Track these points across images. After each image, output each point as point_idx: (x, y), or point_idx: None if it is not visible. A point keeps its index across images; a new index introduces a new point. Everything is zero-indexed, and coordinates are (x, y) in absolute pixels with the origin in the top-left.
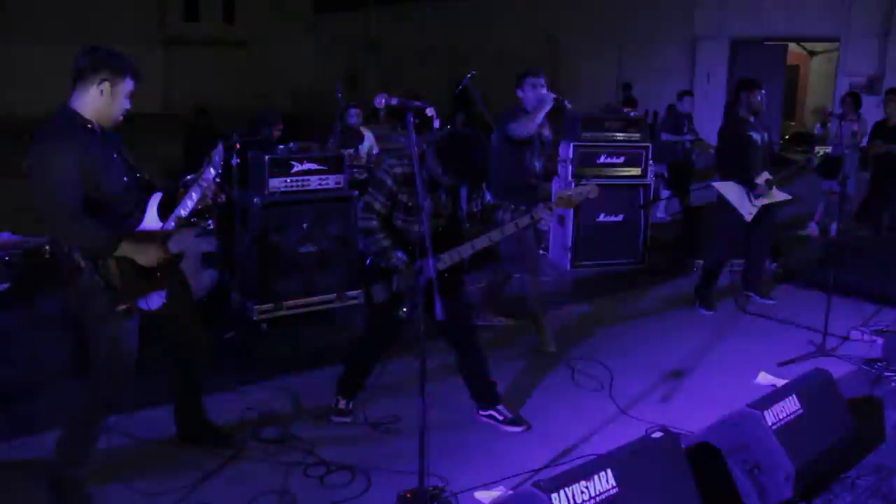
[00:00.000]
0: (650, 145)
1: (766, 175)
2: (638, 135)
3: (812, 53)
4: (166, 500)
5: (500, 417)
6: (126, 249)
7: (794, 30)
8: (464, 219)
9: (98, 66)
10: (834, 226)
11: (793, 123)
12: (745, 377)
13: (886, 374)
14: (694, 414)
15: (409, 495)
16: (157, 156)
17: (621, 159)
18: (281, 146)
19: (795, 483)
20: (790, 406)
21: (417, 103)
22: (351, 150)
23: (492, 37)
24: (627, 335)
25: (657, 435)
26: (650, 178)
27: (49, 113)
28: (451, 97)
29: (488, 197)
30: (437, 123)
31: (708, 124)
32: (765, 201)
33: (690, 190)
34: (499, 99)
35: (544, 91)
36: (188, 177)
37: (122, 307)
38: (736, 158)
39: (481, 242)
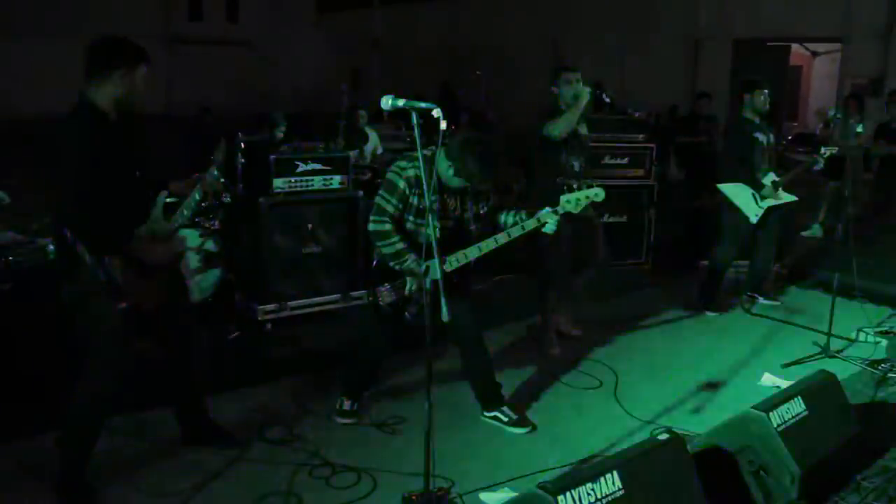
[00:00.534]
0: (654, 146)
1: (772, 176)
2: (641, 136)
3: (815, 54)
4: (171, 501)
5: (506, 419)
6: (137, 248)
7: (796, 31)
8: (471, 221)
9: (113, 57)
10: (839, 227)
11: (795, 124)
12: (749, 378)
13: (891, 375)
14: (699, 415)
15: (414, 497)
16: (160, 155)
17: (626, 160)
18: (285, 146)
19: (801, 485)
20: (795, 408)
21: (424, 105)
22: (356, 151)
23: (492, 37)
24: (632, 336)
25: (663, 436)
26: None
27: (50, 112)
28: (449, 98)
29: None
30: (444, 125)
31: None
32: (770, 203)
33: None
34: (499, 99)
35: (580, 86)
36: (192, 176)
37: (123, 305)
38: (741, 159)
39: (488, 245)
